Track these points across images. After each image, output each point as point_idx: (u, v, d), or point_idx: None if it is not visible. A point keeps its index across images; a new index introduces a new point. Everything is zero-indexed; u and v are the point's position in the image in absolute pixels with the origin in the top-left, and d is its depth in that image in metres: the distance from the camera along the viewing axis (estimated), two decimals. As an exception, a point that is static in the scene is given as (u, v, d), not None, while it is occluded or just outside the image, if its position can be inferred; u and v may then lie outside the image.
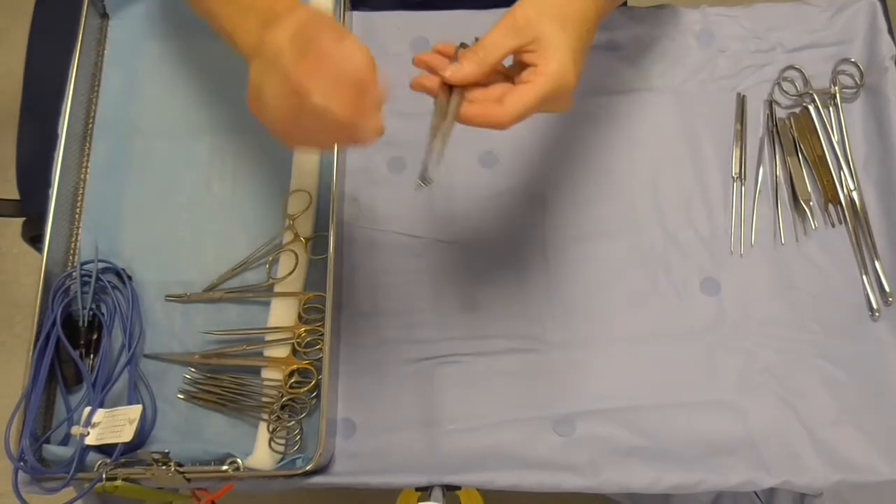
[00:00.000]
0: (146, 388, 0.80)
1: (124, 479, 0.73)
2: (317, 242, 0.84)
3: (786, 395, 0.80)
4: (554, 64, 0.62)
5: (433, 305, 0.84)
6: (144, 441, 0.78)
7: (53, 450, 0.76)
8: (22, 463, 0.74)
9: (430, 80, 0.63)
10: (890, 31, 0.91)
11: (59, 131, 0.86)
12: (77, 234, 0.87)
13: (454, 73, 0.62)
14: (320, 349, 0.78)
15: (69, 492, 0.75)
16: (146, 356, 0.82)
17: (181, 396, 0.81)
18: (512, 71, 0.65)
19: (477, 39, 0.63)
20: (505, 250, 0.86)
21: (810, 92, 0.90)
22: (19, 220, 1.15)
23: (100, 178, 0.89)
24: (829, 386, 0.80)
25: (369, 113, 0.58)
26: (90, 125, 0.91)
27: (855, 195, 0.87)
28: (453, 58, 0.64)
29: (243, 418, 0.80)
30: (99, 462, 0.74)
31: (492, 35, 0.63)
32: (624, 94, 0.92)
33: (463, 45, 0.64)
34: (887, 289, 0.83)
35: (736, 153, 0.89)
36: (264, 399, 0.79)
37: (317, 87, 0.56)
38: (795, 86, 0.92)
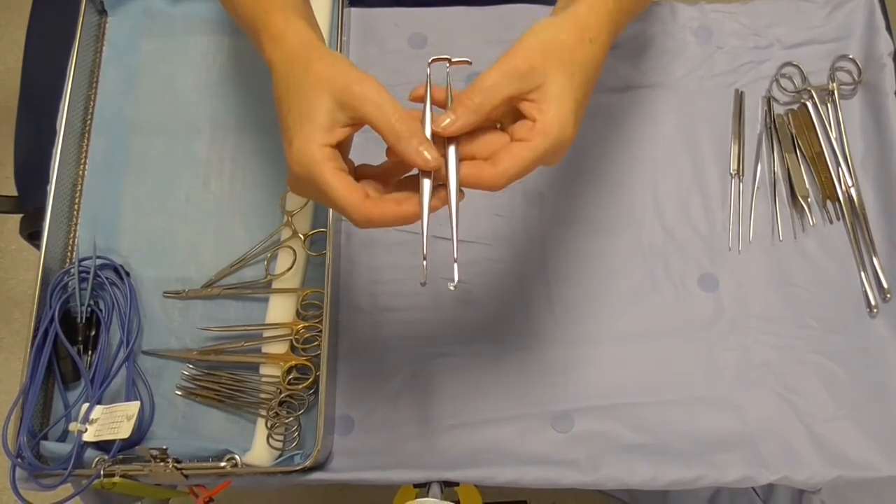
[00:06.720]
0: (144, 384, 0.80)
1: (122, 476, 0.73)
2: (315, 239, 0.84)
3: (784, 392, 0.80)
4: (554, 120, 0.56)
5: (431, 302, 0.84)
6: (142, 437, 0.78)
7: (51, 446, 0.76)
8: (20, 459, 0.74)
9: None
10: (888, 27, 0.91)
11: (58, 128, 0.85)
12: (75, 231, 0.87)
13: (447, 126, 0.56)
14: (318, 346, 0.78)
15: (67, 488, 0.75)
16: (144, 352, 0.82)
17: (179, 393, 0.81)
18: (502, 114, 0.59)
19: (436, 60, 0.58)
20: (503, 246, 0.86)
21: (808, 88, 0.90)
22: (17, 217, 1.15)
23: (98, 175, 0.89)
24: (826, 382, 0.80)
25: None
26: (88, 122, 0.90)
27: (853, 192, 0.87)
28: (424, 97, 0.59)
29: (241, 415, 0.80)
30: (97, 458, 0.74)
31: (490, 77, 0.56)
32: (622, 91, 0.92)
33: (436, 60, 0.59)
34: (885, 285, 0.83)
35: (734, 150, 0.89)
36: (262, 395, 0.79)
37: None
38: (793, 82, 0.92)
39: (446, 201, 0.57)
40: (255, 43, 0.67)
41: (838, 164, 0.88)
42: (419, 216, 0.56)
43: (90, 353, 0.80)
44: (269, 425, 0.77)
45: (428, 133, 0.57)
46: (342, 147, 0.59)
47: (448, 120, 0.56)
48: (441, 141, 0.57)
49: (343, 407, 0.80)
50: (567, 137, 0.57)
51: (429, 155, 0.55)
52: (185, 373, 0.81)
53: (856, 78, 0.91)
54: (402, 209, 0.56)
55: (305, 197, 0.61)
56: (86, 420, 0.75)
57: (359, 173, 0.60)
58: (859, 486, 0.83)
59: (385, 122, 0.55)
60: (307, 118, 0.57)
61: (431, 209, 0.56)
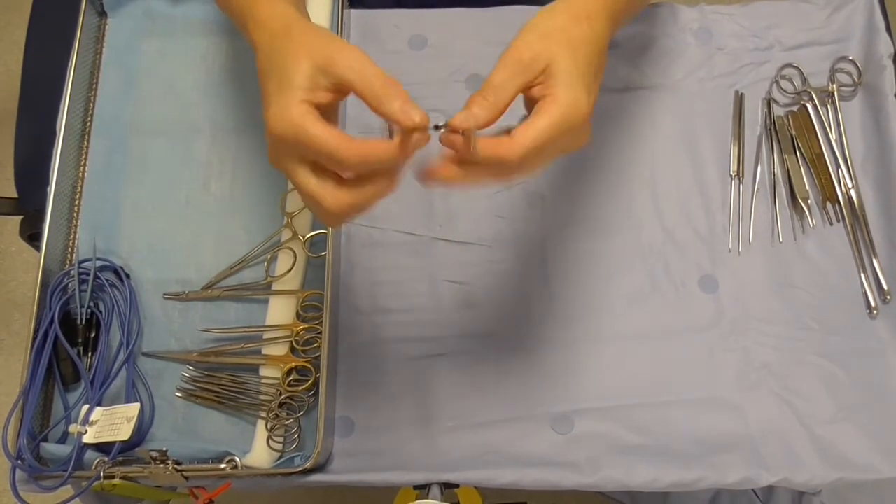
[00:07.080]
0: (144, 386, 0.80)
1: (122, 478, 0.73)
2: (315, 240, 0.84)
3: (784, 393, 0.80)
4: (564, 91, 0.56)
5: (431, 303, 0.84)
6: (142, 439, 0.78)
7: (51, 448, 0.76)
8: (20, 461, 0.74)
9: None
10: (888, 29, 0.91)
11: (58, 129, 0.85)
12: (75, 232, 0.86)
13: (464, 119, 0.54)
14: (318, 347, 0.78)
15: (67, 490, 0.75)
16: (144, 354, 0.82)
17: (179, 394, 0.81)
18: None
19: (439, 127, 0.56)
20: (503, 248, 0.86)
21: (808, 90, 0.90)
22: (17, 218, 1.15)
23: (98, 177, 0.89)
24: (827, 384, 0.80)
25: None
26: (88, 123, 0.90)
27: (853, 193, 0.87)
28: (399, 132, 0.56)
29: (241, 416, 0.80)
30: (97, 460, 0.74)
31: (497, 75, 0.57)
32: (622, 92, 0.92)
33: (437, 127, 0.56)
34: (885, 286, 0.83)
35: (734, 151, 0.89)
36: (262, 397, 0.79)
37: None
38: (793, 84, 0.92)
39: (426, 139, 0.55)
40: (245, 33, 0.66)
41: (838, 166, 0.88)
42: (416, 145, 0.55)
43: (90, 354, 0.80)
44: (269, 427, 0.77)
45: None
46: (325, 117, 0.57)
47: (465, 115, 0.55)
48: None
49: (343, 408, 0.80)
50: (581, 109, 0.56)
51: (414, 114, 0.53)
52: (185, 374, 0.81)
53: (856, 79, 0.91)
54: (391, 143, 0.54)
55: (285, 169, 0.59)
56: (86, 422, 0.75)
57: None
58: (859, 488, 0.83)
59: (367, 85, 0.55)
60: (287, 84, 0.55)
61: (412, 143, 0.54)
